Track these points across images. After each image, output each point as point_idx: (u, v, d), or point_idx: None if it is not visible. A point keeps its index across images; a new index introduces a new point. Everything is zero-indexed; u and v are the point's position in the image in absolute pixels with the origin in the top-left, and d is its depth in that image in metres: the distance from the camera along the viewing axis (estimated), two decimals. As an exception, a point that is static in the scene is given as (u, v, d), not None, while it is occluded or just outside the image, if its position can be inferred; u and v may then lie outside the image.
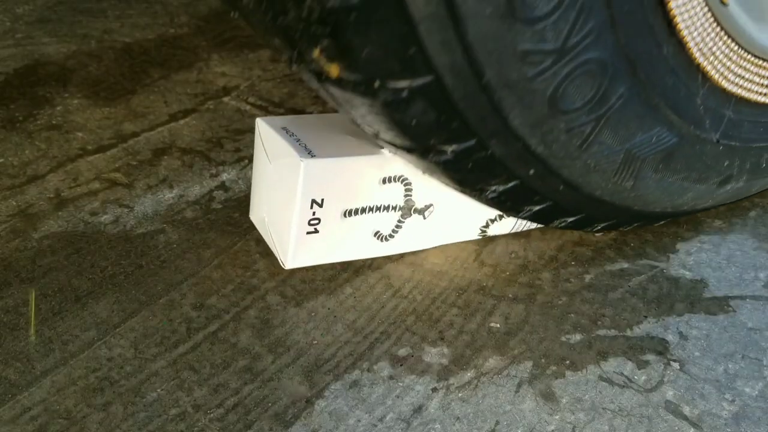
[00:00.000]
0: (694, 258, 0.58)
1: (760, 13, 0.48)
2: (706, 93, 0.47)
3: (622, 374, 0.47)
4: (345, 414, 0.44)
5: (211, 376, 0.46)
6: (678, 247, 0.59)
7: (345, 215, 0.53)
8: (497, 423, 0.43)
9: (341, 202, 0.52)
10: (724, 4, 0.45)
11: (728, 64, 0.48)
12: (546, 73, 0.40)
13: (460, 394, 0.45)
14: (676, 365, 0.48)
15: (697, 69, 0.46)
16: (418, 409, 0.44)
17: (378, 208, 0.54)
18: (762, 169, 0.56)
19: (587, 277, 0.56)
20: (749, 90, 0.50)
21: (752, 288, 0.55)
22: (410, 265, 0.57)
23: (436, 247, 0.58)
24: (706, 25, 0.45)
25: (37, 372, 0.45)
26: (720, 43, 0.46)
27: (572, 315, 0.52)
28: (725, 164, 0.53)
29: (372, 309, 0.52)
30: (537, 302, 0.53)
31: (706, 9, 0.45)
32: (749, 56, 0.48)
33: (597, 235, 0.61)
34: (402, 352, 0.48)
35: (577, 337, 0.50)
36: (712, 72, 0.47)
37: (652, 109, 0.46)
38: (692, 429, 0.43)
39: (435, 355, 0.48)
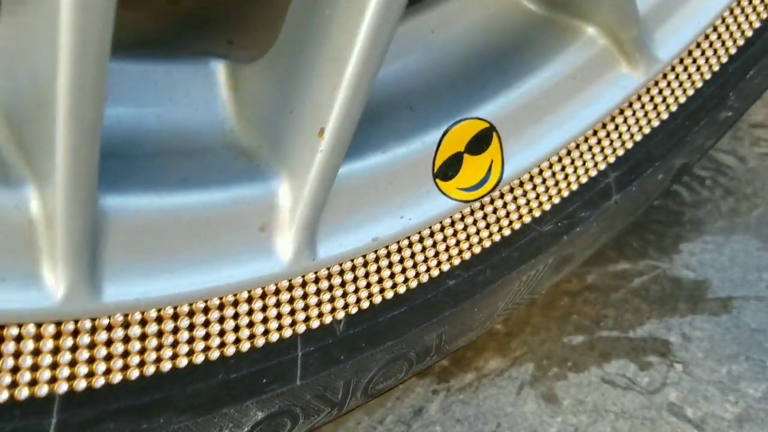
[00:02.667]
0: (698, 258, 0.58)
1: None
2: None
3: (624, 376, 0.47)
4: (344, 416, 0.43)
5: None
6: (681, 247, 0.59)
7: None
8: (498, 425, 0.43)
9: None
10: None
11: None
12: None
13: (460, 396, 0.45)
14: (679, 367, 0.48)
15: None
16: (419, 411, 0.44)
17: None
18: None
19: (589, 278, 0.56)
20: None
21: (756, 289, 0.55)
22: (411, 265, 0.56)
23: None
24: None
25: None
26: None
27: (574, 316, 0.52)
28: None
29: (372, 310, 0.52)
30: (538, 303, 0.53)
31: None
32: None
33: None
34: (402, 353, 0.48)
35: (579, 338, 0.50)
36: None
37: None
38: (695, 431, 0.43)
39: (435, 356, 0.48)
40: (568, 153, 0.41)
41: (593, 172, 0.42)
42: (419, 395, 0.45)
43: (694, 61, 0.45)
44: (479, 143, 0.38)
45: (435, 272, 0.38)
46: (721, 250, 0.59)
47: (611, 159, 0.43)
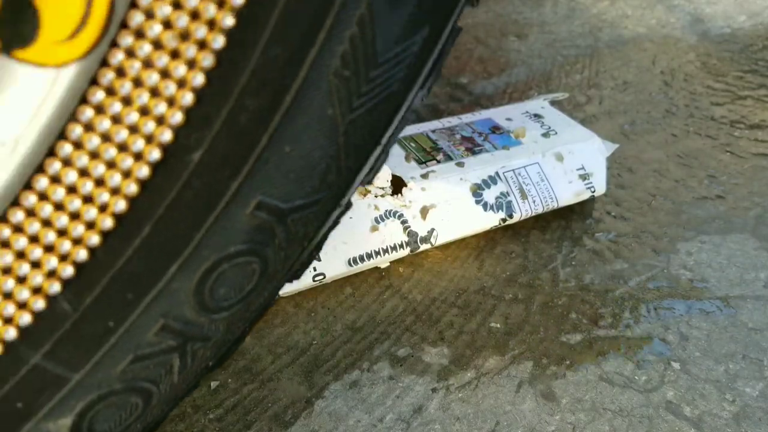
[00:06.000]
0: (695, 258, 0.58)
1: None
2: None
3: (622, 374, 0.47)
4: (344, 414, 0.43)
5: (210, 376, 0.46)
6: (678, 247, 0.59)
7: (350, 263, 0.52)
8: (497, 423, 0.43)
9: (341, 253, 0.52)
10: None
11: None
12: None
13: (460, 395, 0.45)
14: (676, 365, 0.48)
15: None
16: (418, 410, 0.44)
17: (384, 251, 0.54)
18: None
19: (587, 278, 0.56)
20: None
21: (753, 288, 0.55)
22: (410, 264, 0.57)
23: (436, 246, 0.58)
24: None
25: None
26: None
27: (572, 315, 0.52)
28: None
29: (371, 309, 0.52)
30: (537, 302, 0.53)
31: None
32: None
33: (598, 235, 0.61)
34: (402, 352, 0.48)
35: (578, 337, 0.50)
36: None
37: None
38: (693, 429, 0.43)
39: (435, 355, 0.48)
40: None
41: None
42: (419, 393, 0.45)
43: None
44: None
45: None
46: (718, 249, 0.59)
47: None
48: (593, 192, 0.61)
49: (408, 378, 0.46)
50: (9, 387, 0.28)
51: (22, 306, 0.27)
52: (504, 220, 0.58)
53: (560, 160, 0.59)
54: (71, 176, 0.25)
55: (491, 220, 0.57)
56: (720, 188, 0.65)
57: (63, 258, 0.26)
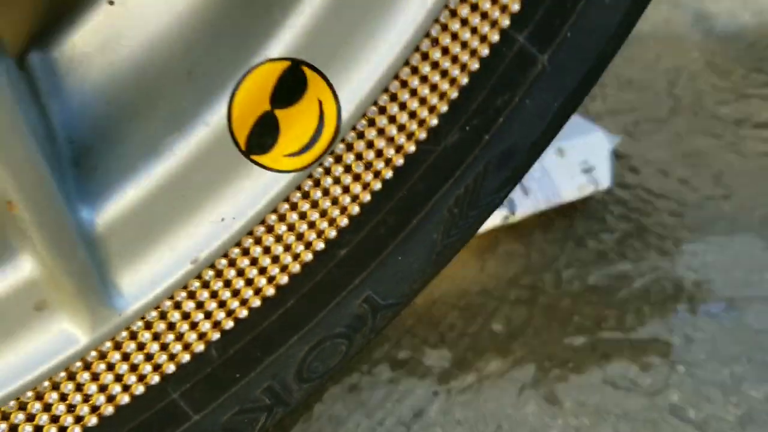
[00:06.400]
0: (700, 259, 0.58)
1: None
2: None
3: (626, 377, 0.46)
4: (344, 418, 0.43)
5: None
6: (683, 248, 0.59)
7: None
8: (499, 427, 0.43)
9: None
10: None
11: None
12: None
13: (461, 398, 0.45)
14: (681, 368, 0.47)
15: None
16: (419, 413, 0.44)
17: None
18: None
19: (590, 279, 0.55)
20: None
21: (759, 290, 0.54)
22: (411, 266, 0.56)
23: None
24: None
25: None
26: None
27: (575, 317, 0.51)
28: None
29: (372, 311, 0.52)
30: (539, 304, 0.53)
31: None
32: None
33: (602, 235, 0.60)
34: (402, 354, 0.48)
35: (581, 339, 0.49)
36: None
37: None
38: (698, 433, 0.43)
39: (436, 357, 0.48)
40: None
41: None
42: (419, 397, 0.45)
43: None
44: (290, 89, 0.30)
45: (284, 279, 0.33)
46: (723, 251, 0.58)
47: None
48: (597, 186, 0.60)
49: (408, 381, 0.46)
50: (147, 416, 0.33)
51: (186, 347, 0.33)
52: (506, 217, 0.57)
53: (562, 155, 0.59)
54: (257, 251, 0.33)
55: (493, 217, 0.57)
56: (725, 188, 0.65)
57: (229, 313, 0.33)
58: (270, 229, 0.33)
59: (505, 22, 0.32)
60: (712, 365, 0.48)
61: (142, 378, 0.33)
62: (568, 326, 0.51)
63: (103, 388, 0.32)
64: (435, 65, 0.32)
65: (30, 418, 0.31)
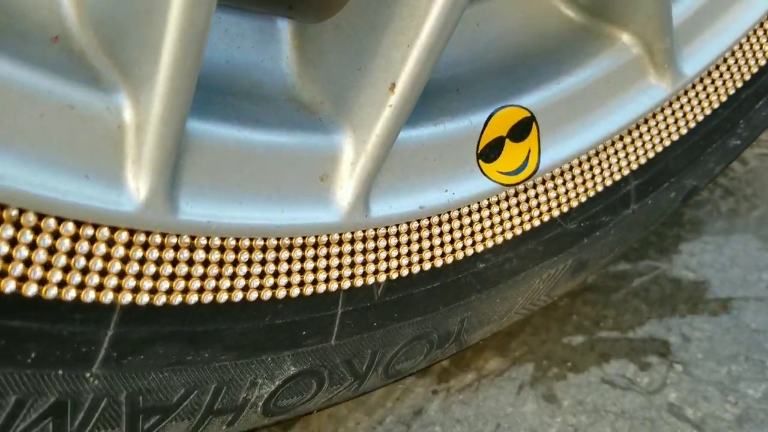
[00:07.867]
0: (697, 259, 0.58)
1: None
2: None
3: (624, 376, 0.47)
4: (344, 416, 0.43)
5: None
6: (681, 248, 0.59)
7: None
8: (498, 425, 0.43)
9: None
10: None
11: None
12: None
13: (460, 397, 0.45)
14: (678, 367, 0.48)
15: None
16: (418, 412, 0.44)
17: None
18: None
19: (589, 278, 0.56)
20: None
21: (756, 289, 0.55)
22: (411, 266, 0.56)
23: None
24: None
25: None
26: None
27: (574, 316, 0.52)
28: None
29: (372, 310, 0.52)
30: (538, 303, 0.53)
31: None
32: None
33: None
34: (402, 353, 0.48)
35: (579, 338, 0.50)
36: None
37: None
38: (695, 431, 0.43)
39: (435, 356, 0.48)
40: (597, 154, 0.42)
41: (617, 177, 0.43)
42: (419, 395, 0.45)
43: (713, 81, 0.45)
44: (520, 131, 0.39)
45: (469, 251, 0.39)
46: (721, 250, 0.59)
47: (634, 166, 0.44)
48: None
49: (408, 380, 0.46)
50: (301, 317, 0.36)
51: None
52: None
53: None
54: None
55: None
56: (723, 189, 0.65)
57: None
58: (467, 215, 0.40)
59: None
60: (709, 364, 0.48)
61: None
62: (567, 325, 0.51)
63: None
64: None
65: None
